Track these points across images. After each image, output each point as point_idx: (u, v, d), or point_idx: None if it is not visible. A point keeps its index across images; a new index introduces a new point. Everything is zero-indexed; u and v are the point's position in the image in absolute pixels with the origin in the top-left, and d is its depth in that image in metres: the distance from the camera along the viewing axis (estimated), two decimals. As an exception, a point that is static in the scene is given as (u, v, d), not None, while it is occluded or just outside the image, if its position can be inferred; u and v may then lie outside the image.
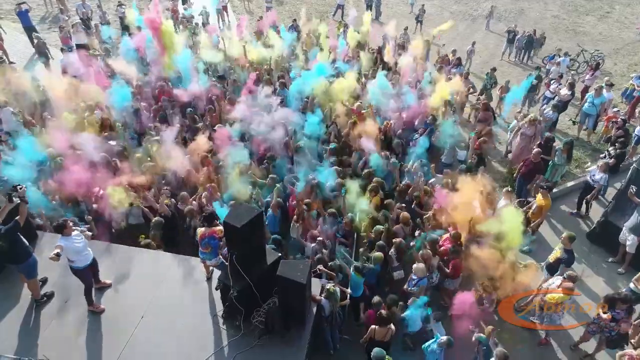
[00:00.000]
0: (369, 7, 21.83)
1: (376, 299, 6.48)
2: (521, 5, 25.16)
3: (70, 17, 17.60)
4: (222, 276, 5.90)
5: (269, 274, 5.84)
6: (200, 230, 6.38)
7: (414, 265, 6.83)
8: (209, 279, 6.70)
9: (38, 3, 19.57)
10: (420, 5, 20.96)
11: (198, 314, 6.16)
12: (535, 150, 9.40)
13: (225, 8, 20.15)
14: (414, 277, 6.86)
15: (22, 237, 5.98)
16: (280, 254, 6.30)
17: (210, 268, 6.68)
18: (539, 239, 9.12)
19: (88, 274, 6.14)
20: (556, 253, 7.39)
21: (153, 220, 7.48)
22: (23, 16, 15.84)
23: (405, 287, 7.00)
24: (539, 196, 8.38)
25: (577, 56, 17.39)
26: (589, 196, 9.58)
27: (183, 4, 20.12)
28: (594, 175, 9.30)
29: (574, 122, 12.68)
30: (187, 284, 6.65)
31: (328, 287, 6.35)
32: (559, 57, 15.63)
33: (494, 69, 13.58)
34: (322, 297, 6.34)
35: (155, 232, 7.45)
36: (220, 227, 6.19)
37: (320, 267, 6.67)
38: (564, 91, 12.17)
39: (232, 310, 5.93)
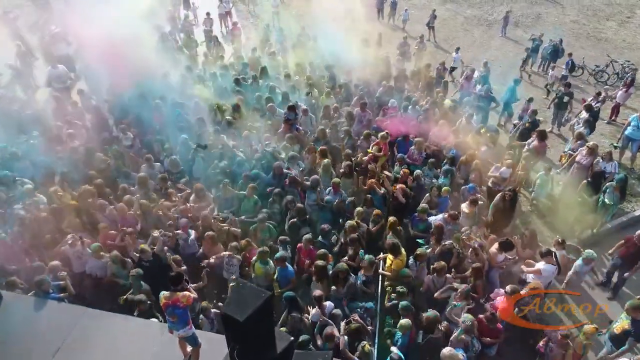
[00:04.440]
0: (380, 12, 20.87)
1: None
2: (538, 9, 23.82)
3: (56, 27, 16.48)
4: (220, 370, 4.71)
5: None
6: (164, 296, 5.19)
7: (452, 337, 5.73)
8: None
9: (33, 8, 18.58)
10: (431, 11, 19.62)
11: (191, 410, 5.00)
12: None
13: (228, 13, 19.03)
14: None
15: None
16: (292, 338, 5.12)
17: (188, 348, 5.51)
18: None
19: None
20: (623, 323, 6.16)
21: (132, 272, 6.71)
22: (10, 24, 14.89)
23: None
24: None
25: (606, 67, 16.02)
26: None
27: (185, 9, 19.11)
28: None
29: (615, 147, 11.39)
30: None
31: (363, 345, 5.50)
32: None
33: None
34: None
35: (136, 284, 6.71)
36: (184, 293, 5.12)
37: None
38: (583, 114, 10.95)
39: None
